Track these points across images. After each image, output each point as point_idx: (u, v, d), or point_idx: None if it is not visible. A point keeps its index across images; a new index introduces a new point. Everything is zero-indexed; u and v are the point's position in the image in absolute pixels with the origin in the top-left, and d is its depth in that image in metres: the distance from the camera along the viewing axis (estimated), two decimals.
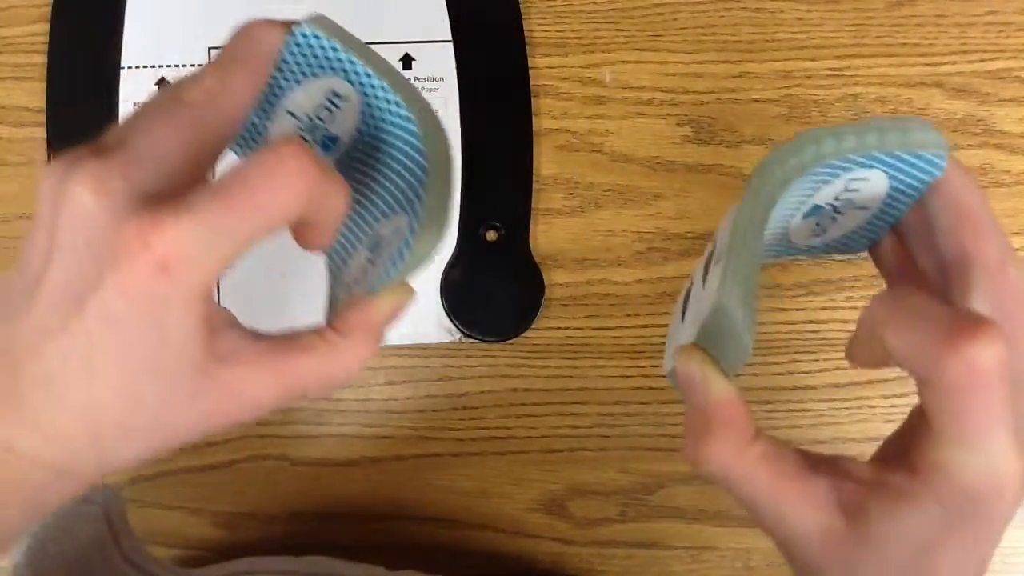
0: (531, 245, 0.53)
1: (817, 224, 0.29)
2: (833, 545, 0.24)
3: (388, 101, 0.25)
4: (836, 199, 0.28)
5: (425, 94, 0.53)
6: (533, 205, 0.53)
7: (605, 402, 0.54)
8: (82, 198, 0.22)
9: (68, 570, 0.40)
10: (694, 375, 0.25)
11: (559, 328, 0.54)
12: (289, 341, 0.26)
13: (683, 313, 0.29)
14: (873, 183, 0.27)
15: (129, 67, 0.52)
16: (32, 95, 0.53)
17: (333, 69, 0.26)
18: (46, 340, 0.23)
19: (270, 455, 0.53)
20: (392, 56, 0.53)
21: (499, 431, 0.54)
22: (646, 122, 0.54)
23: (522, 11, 0.54)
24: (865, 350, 0.25)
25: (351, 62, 0.25)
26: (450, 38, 0.53)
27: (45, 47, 0.52)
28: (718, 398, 0.25)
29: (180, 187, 0.23)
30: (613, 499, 0.54)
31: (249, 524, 0.53)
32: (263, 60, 0.26)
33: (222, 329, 0.25)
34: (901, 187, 0.27)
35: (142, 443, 0.25)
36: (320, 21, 0.25)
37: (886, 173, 0.26)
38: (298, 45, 0.25)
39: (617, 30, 0.55)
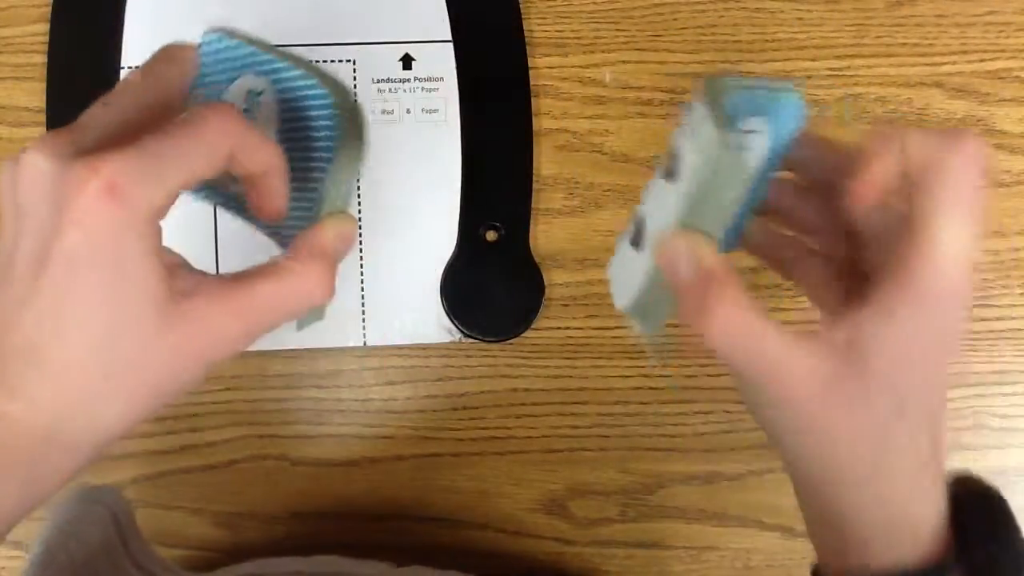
0: (531, 245, 0.53)
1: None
2: (836, 386, 0.26)
3: (291, 76, 0.29)
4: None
5: (425, 94, 0.53)
6: (533, 205, 0.53)
7: (605, 402, 0.54)
8: (35, 160, 0.25)
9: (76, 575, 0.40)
10: (681, 253, 0.26)
11: (559, 328, 0.54)
12: (246, 274, 0.27)
13: (637, 238, 0.30)
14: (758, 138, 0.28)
15: (129, 67, 0.52)
16: (32, 95, 0.53)
17: (244, 66, 0.29)
18: (22, 309, 0.25)
19: (270, 455, 0.53)
20: (392, 56, 0.53)
21: (499, 431, 0.54)
22: (646, 122, 0.54)
23: (522, 11, 0.54)
24: (876, 187, 0.27)
25: (253, 53, 0.29)
26: (450, 38, 0.53)
27: (45, 47, 0.52)
28: (712, 263, 0.26)
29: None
30: (613, 499, 0.54)
31: (249, 524, 0.53)
32: (182, 56, 0.29)
33: (178, 268, 0.28)
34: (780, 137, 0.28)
35: (123, 395, 0.26)
36: (223, 29, 0.29)
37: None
38: (211, 52, 0.29)
39: (617, 30, 0.55)
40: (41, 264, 0.24)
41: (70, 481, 0.27)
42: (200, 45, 0.30)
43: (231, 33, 0.29)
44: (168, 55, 0.29)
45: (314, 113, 0.29)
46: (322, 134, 0.29)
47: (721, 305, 0.25)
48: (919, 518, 0.27)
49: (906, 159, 0.26)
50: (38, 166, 0.25)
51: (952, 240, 0.25)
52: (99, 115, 0.27)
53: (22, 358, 0.25)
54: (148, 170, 0.24)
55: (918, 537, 0.26)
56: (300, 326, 0.31)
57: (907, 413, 0.27)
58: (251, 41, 0.29)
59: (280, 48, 0.29)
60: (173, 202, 0.26)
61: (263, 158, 0.27)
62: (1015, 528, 0.27)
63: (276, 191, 0.28)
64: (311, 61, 0.29)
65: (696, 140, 0.26)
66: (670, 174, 0.28)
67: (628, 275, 0.29)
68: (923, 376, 0.27)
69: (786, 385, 0.26)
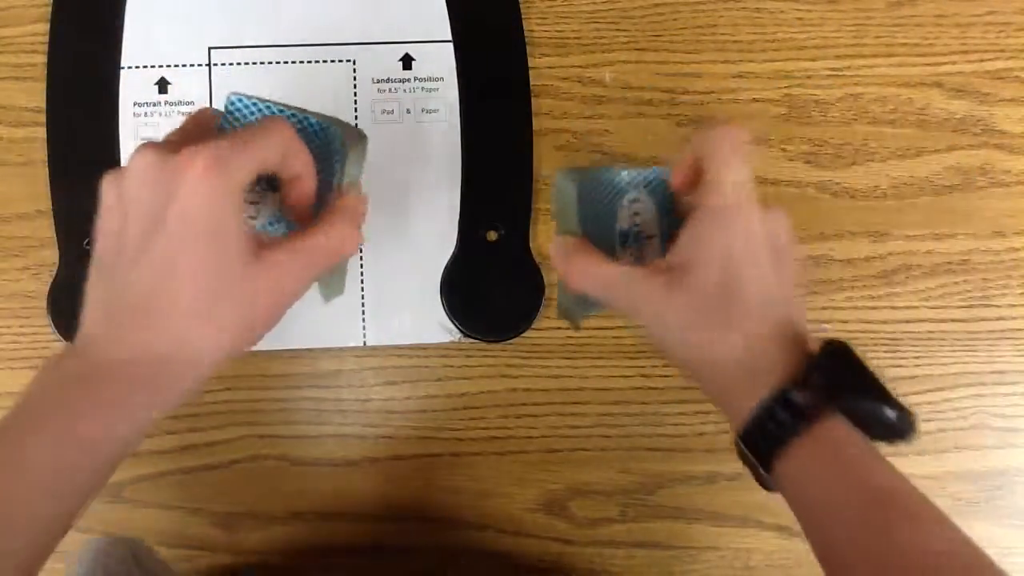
0: (531, 245, 0.53)
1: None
2: (667, 290, 0.35)
3: (305, 115, 0.38)
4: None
5: (425, 94, 0.53)
6: (533, 205, 0.53)
7: (605, 402, 0.54)
8: (144, 155, 0.32)
9: None
10: (555, 244, 0.39)
11: (559, 328, 0.54)
12: (298, 233, 0.35)
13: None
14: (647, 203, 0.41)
15: (129, 67, 0.52)
16: (32, 95, 0.53)
17: (261, 114, 0.38)
18: (136, 266, 0.32)
19: (270, 455, 0.53)
20: (392, 56, 0.53)
21: (499, 431, 0.54)
22: (646, 122, 0.54)
23: (522, 11, 0.54)
24: (687, 171, 0.38)
25: (268, 106, 0.38)
26: (450, 38, 0.53)
27: (45, 47, 0.52)
28: (570, 242, 0.38)
29: None
30: (613, 499, 0.54)
31: (249, 524, 0.53)
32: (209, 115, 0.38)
33: (253, 231, 0.37)
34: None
35: (224, 324, 0.33)
36: (242, 93, 0.38)
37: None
38: (236, 109, 0.37)
39: (617, 30, 0.55)
40: (153, 230, 0.32)
41: (184, 399, 0.34)
42: (225, 107, 0.38)
43: (248, 96, 0.38)
44: (202, 114, 0.38)
45: (322, 139, 0.38)
46: (334, 154, 0.38)
47: (575, 259, 0.38)
48: (763, 370, 0.34)
49: (697, 149, 0.37)
50: (147, 159, 0.32)
51: (725, 177, 0.36)
52: (175, 133, 0.36)
53: (144, 299, 0.32)
54: (234, 155, 0.32)
55: (770, 379, 0.33)
56: (327, 297, 0.40)
57: (725, 298, 0.35)
58: (263, 99, 0.38)
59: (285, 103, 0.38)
60: (250, 180, 0.33)
61: (304, 161, 0.36)
62: (857, 362, 0.33)
63: (308, 189, 0.37)
64: (314, 111, 0.39)
65: (555, 192, 0.42)
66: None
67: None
68: (731, 272, 0.35)
69: (637, 300, 0.36)
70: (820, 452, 0.32)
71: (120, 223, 0.33)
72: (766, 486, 0.36)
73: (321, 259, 0.35)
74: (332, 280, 0.40)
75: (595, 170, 0.41)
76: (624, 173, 0.41)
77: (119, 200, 0.33)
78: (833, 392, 0.33)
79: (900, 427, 0.33)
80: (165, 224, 0.32)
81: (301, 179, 0.36)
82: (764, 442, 0.33)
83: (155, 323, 0.32)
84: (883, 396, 0.33)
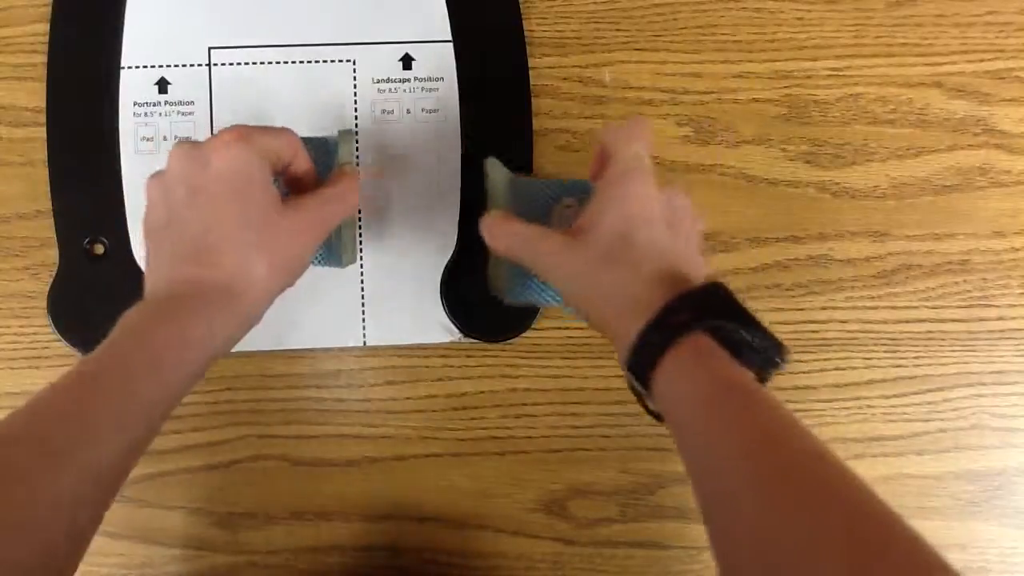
0: None
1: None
2: (569, 246, 0.40)
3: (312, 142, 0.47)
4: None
5: (425, 94, 0.53)
6: None
7: (605, 402, 0.54)
8: (177, 151, 0.40)
9: None
10: (486, 217, 0.44)
11: (559, 328, 0.54)
12: (313, 191, 0.42)
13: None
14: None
15: (129, 67, 0.52)
16: (32, 95, 0.53)
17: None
18: (187, 223, 0.39)
19: (270, 455, 0.53)
20: (392, 56, 0.53)
21: (499, 431, 0.54)
22: None
23: (522, 11, 0.54)
24: (597, 161, 0.44)
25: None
26: (450, 38, 0.53)
27: (45, 47, 0.52)
28: (494, 213, 0.44)
29: None
30: (613, 499, 0.54)
31: (249, 524, 0.53)
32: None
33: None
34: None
35: (266, 260, 0.39)
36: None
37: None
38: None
39: (617, 30, 0.55)
40: (195, 193, 0.39)
41: (248, 325, 0.40)
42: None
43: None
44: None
45: (321, 148, 0.47)
46: (331, 154, 0.47)
47: (495, 223, 0.43)
48: (644, 303, 0.37)
49: (603, 137, 0.43)
50: (182, 148, 0.40)
51: (625, 152, 0.41)
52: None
53: (199, 243, 0.39)
54: (255, 133, 0.40)
55: (650, 310, 0.37)
56: (345, 263, 0.47)
57: (618, 248, 0.39)
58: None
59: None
60: (268, 156, 0.40)
61: (307, 167, 0.44)
62: (726, 293, 0.37)
63: (309, 182, 0.44)
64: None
65: (490, 185, 0.48)
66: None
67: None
68: (626, 228, 0.39)
69: (544, 255, 0.41)
70: (684, 357, 0.36)
71: (165, 200, 0.40)
72: (654, 415, 0.39)
73: (335, 206, 0.42)
74: (346, 246, 0.47)
75: (531, 180, 0.47)
76: (560, 182, 0.47)
77: (161, 188, 0.40)
78: (702, 315, 0.36)
79: (763, 349, 0.36)
80: (205, 186, 0.39)
81: (302, 180, 0.43)
82: (642, 365, 0.37)
83: (213, 259, 0.38)
84: (748, 321, 0.36)
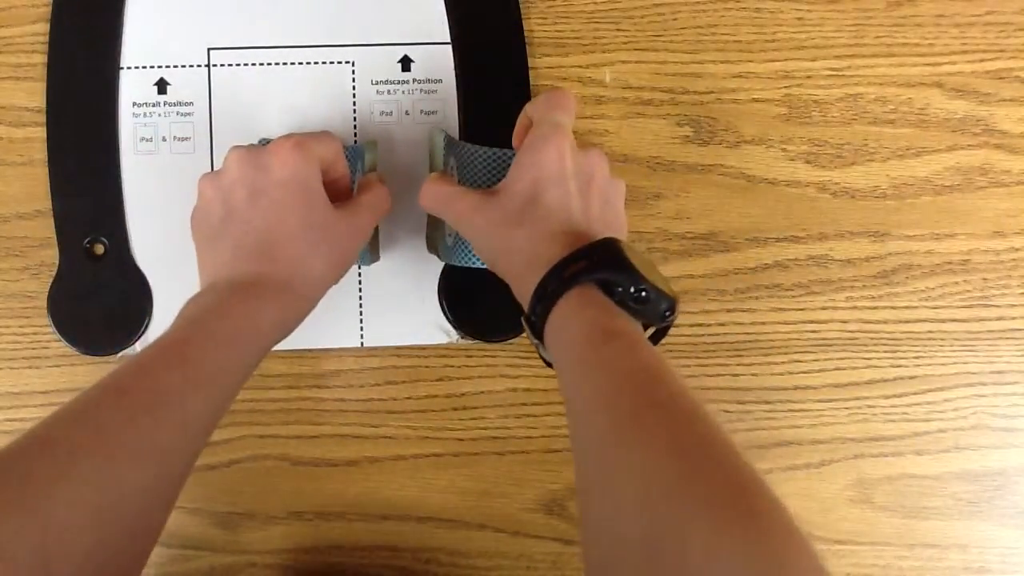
0: None
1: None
2: (488, 202, 0.43)
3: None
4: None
5: (424, 95, 0.53)
6: None
7: None
8: (234, 155, 0.43)
9: None
10: (427, 179, 0.47)
11: None
12: (355, 197, 0.47)
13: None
14: None
15: (129, 67, 0.52)
16: (32, 95, 0.53)
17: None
18: (248, 224, 0.42)
19: (270, 455, 0.53)
20: (391, 58, 0.53)
21: (499, 431, 0.54)
22: (646, 122, 0.55)
23: (522, 11, 0.54)
24: (521, 130, 0.47)
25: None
26: (448, 40, 0.53)
27: (45, 47, 0.52)
28: (433, 177, 0.47)
29: None
30: None
31: (249, 524, 0.53)
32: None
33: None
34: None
35: (323, 258, 0.43)
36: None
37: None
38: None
39: (617, 30, 0.55)
40: (256, 195, 0.42)
41: (302, 319, 0.44)
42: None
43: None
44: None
45: (353, 154, 0.50)
46: (359, 160, 0.50)
47: (426, 184, 0.46)
48: (544, 257, 0.39)
49: (527, 110, 0.46)
50: (239, 152, 0.43)
51: (543, 118, 0.44)
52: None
53: (263, 241, 0.42)
54: (310, 141, 0.44)
55: (549, 263, 0.39)
56: (368, 262, 0.51)
57: (526, 205, 0.42)
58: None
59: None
60: (320, 163, 0.44)
61: (344, 171, 0.47)
62: (616, 248, 0.39)
63: (345, 189, 0.47)
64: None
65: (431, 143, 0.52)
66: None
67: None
68: (537, 188, 0.42)
69: (464, 211, 0.44)
70: (571, 305, 0.38)
71: (225, 198, 0.43)
72: (548, 364, 0.42)
73: (377, 209, 0.47)
74: (372, 247, 0.51)
75: (471, 145, 0.49)
76: (499, 150, 0.48)
77: (218, 189, 0.43)
78: (591, 268, 0.38)
79: (654, 302, 0.38)
80: (266, 190, 0.42)
81: (338, 183, 0.46)
82: (537, 314, 0.39)
83: (276, 256, 0.42)
84: (634, 274, 0.38)
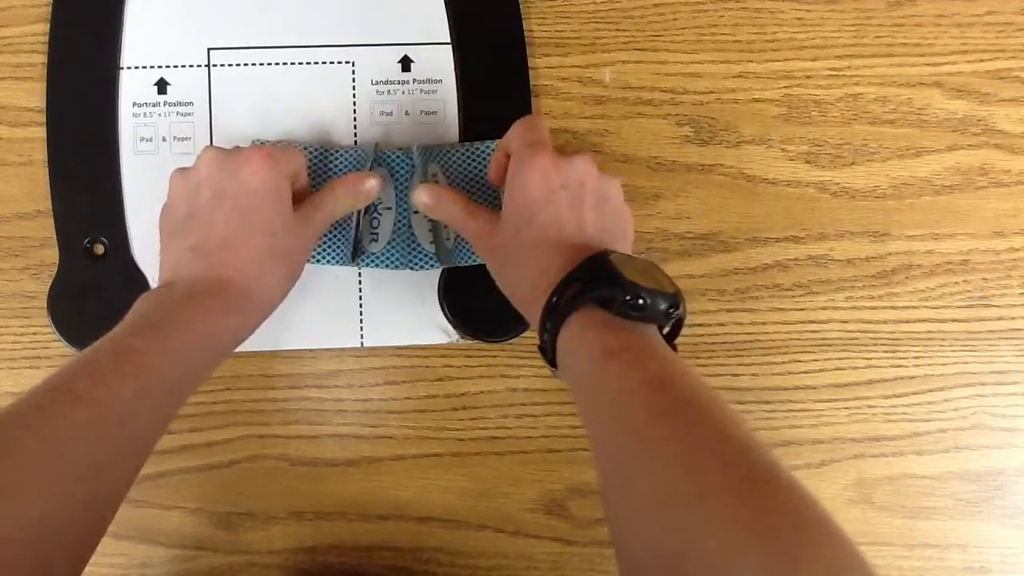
0: None
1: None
2: (490, 236, 0.45)
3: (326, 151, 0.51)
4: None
5: (424, 96, 0.53)
6: None
7: None
8: (207, 154, 0.44)
9: None
10: (429, 186, 0.48)
11: None
12: (305, 203, 0.47)
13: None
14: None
15: (129, 67, 0.52)
16: (32, 95, 0.53)
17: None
18: (212, 227, 0.42)
19: (270, 455, 0.53)
20: (391, 58, 0.53)
21: (499, 431, 0.54)
22: (646, 122, 0.55)
23: (522, 11, 0.54)
24: (498, 165, 0.48)
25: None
26: (448, 40, 0.53)
27: (45, 47, 0.52)
28: (427, 185, 0.48)
29: None
30: None
31: (249, 524, 0.53)
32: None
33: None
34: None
35: (280, 266, 0.44)
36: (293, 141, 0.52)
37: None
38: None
39: (617, 30, 0.55)
40: (222, 197, 0.43)
41: (256, 327, 0.44)
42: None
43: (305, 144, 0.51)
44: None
45: (349, 158, 0.51)
46: (364, 165, 0.51)
47: (428, 192, 0.47)
48: (543, 288, 0.40)
49: (502, 144, 0.47)
50: (212, 153, 0.44)
51: (521, 143, 0.44)
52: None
53: (224, 244, 0.42)
54: (280, 153, 0.44)
55: (546, 291, 0.39)
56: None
57: (524, 230, 0.42)
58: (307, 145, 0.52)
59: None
60: (288, 175, 0.45)
61: (304, 181, 0.48)
62: (603, 261, 0.39)
63: (300, 199, 0.47)
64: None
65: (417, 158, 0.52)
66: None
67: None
68: (528, 213, 0.42)
69: (469, 231, 0.46)
70: (573, 329, 0.38)
71: (191, 196, 0.43)
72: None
73: (326, 206, 0.47)
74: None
75: (450, 146, 0.50)
76: (485, 143, 0.49)
77: (187, 184, 0.44)
78: (585, 289, 0.38)
79: (654, 305, 0.38)
80: (233, 195, 0.42)
81: (298, 194, 0.47)
82: (546, 342, 0.40)
83: (235, 262, 0.42)
84: (626, 286, 0.37)
